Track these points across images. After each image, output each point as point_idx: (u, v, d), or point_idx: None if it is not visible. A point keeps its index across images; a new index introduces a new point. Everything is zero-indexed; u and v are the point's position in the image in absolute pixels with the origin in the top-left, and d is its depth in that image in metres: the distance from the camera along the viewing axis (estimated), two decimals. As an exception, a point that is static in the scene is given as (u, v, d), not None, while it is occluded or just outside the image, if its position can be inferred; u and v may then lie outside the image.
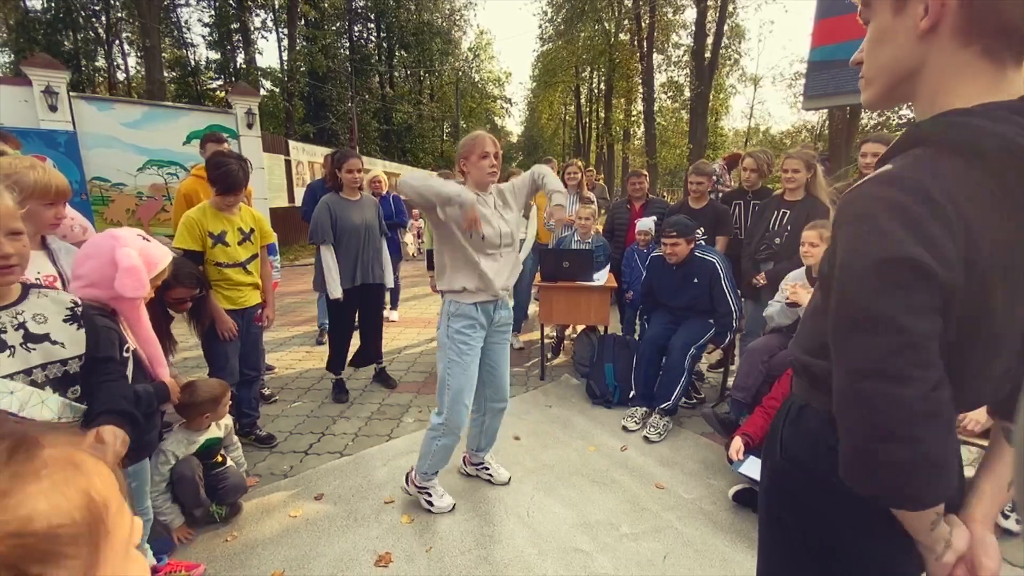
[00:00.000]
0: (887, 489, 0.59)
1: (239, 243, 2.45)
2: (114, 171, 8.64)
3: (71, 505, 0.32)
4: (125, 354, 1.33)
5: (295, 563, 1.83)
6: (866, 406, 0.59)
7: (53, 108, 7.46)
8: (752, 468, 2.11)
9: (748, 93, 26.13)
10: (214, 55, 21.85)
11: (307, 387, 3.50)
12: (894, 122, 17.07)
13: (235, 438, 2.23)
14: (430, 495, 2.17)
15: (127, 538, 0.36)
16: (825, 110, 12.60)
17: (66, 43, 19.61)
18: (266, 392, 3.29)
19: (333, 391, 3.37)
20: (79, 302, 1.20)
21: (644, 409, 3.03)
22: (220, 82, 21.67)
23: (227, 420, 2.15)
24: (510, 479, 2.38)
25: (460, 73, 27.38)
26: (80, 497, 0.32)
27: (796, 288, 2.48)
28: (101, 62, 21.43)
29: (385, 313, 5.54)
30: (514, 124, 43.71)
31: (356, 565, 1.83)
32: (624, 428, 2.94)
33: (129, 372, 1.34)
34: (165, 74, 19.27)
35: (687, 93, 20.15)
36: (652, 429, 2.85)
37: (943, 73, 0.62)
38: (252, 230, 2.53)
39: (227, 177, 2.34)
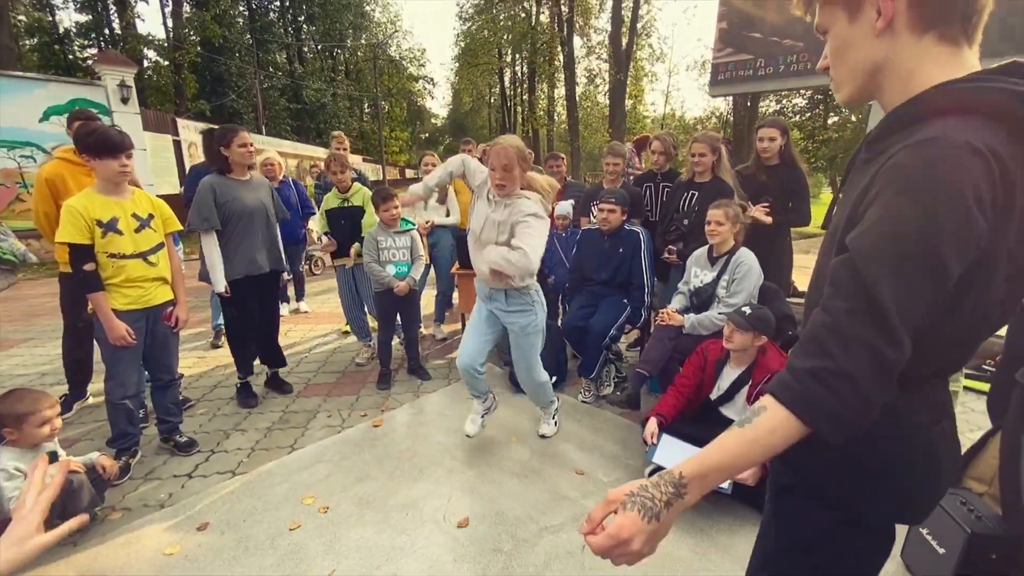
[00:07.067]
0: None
1: (136, 230, 2.15)
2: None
3: None
4: None
5: (167, 611, 1.58)
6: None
7: None
8: (664, 455, 2.14)
9: (665, 79, 27.18)
10: (82, 18, 18.78)
11: (197, 398, 3.10)
12: (789, 110, 18.67)
13: (62, 452, 1.99)
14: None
15: None
16: (731, 97, 13.46)
17: None
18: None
19: (239, 395, 3.05)
20: None
21: (585, 380, 3.18)
22: (94, 51, 18.76)
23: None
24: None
25: (377, 50, 25.95)
26: None
27: (670, 313, 2.79)
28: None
29: (294, 305, 5.13)
30: (440, 107, 42.58)
31: (244, 603, 1.61)
32: (583, 401, 3.12)
33: None
34: (24, 42, 16.33)
35: (606, 79, 20.62)
36: (585, 392, 3.16)
37: (908, 63, 0.68)
38: (151, 216, 2.22)
39: (103, 136, 2.02)
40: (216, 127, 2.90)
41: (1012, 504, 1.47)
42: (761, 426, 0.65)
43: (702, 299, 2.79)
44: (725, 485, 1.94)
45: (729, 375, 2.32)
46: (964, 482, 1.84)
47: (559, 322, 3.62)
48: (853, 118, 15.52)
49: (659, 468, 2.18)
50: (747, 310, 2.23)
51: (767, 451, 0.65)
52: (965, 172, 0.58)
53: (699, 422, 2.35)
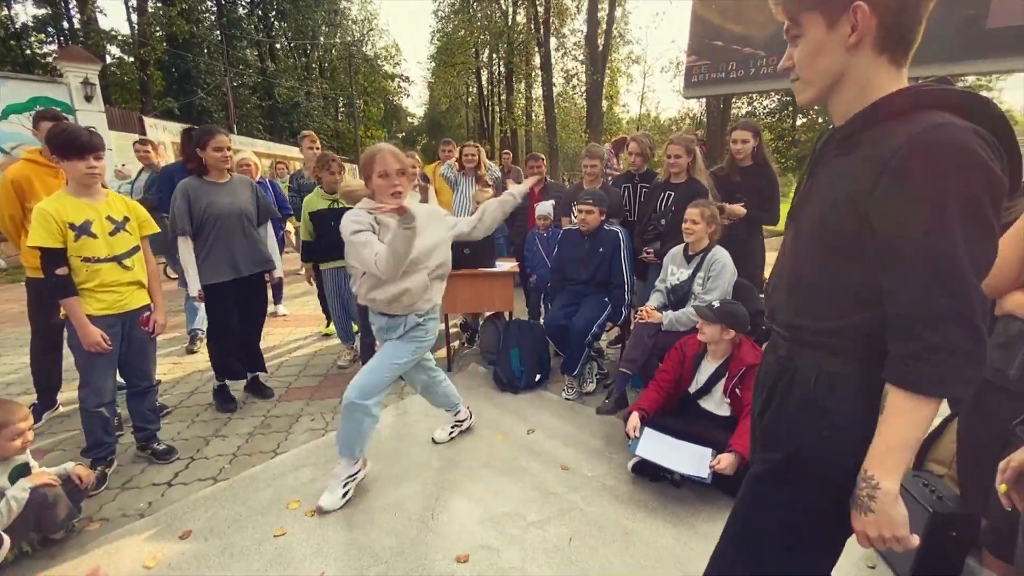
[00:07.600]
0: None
1: (111, 233, 2.10)
2: None
3: None
4: None
5: (152, 620, 1.55)
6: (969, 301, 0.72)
7: None
8: (646, 448, 2.20)
9: (640, 80, 27.59)
10: (40, 12, 17.84)
11: (175, 404, 3.03)
12: (761, 111, 19.20)
13: (34, 463, 1.91)
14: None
15: None
16: (704, 99, 13.73)
17: None
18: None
19: (216, 400, 2.98)
20: None
21: (568, 377, 3.20)
22: (53, 47, 17.88)
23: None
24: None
25: (353, 48, 25.57)
26: None
27: (649, 311, 2.84)
28: None
29: (271, 308, 5.03)
30: (417, 106, 42.22)
31: (232, 609, 1.60)
32: (566, 398, 3.15)
33: None
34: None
35: (583, 79, 20.78)
36: (568, 389, 3.19)
37: (866, 75, 0.81)
38: (126, 218, 2.17)
39: (71, 137, 1.97)
40: (195, 127, 2.83)
41: (970, 485, 1.57)
42: (890, 408, 0.78)
43: (678, 296, 2.87)
44: (705, 475, 2.01)
45: (707, 369, 2.40)
46: (926, 465, 1.95)
47: (541, 321, 3.68)
48: (820, 120, 16.07)
49: (642, 461, 2.24)
50: (715, 304, 2.32)
51: (917, 424, 0.76)
52: (975, 143, 0.71)
53: (679, 415, 2.42)
